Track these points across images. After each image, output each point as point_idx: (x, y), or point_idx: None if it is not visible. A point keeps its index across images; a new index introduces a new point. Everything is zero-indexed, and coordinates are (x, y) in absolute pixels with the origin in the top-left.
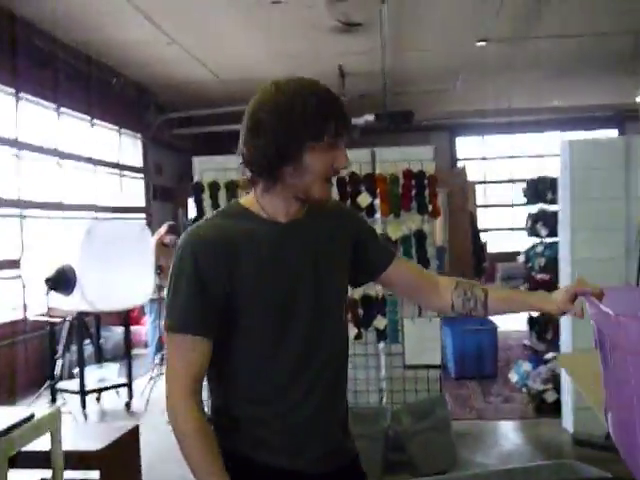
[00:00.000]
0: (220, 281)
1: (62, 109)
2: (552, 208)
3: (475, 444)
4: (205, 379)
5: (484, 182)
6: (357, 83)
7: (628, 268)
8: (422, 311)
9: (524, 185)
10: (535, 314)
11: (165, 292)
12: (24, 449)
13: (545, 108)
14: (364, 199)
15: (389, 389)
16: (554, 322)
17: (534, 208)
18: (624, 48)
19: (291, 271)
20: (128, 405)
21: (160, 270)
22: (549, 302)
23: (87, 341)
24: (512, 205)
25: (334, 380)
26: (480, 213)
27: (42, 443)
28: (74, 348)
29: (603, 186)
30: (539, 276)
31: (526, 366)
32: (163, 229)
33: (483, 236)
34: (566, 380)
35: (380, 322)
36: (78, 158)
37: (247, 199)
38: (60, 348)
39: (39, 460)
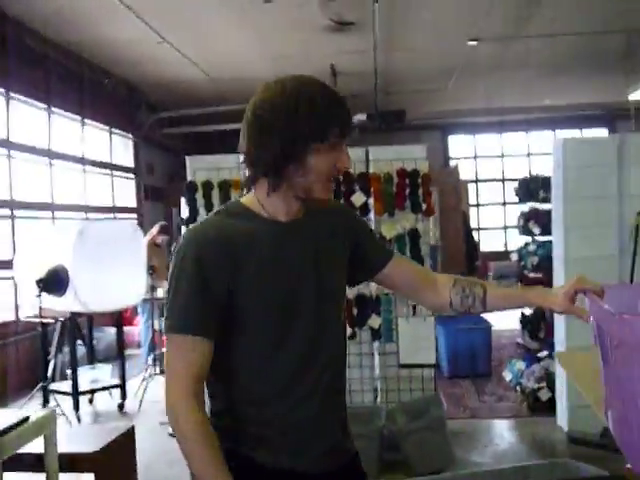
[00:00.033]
0: (223, 280)
1: (53, 109)
2: (544, 207)
3: (469, 443)
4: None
5: (476, 181)
6: (349, 82)
7: (622, 266)
8: (416, 310)
9: (516, 184)
10: (528, 312)
11: (159, 292)
12: (17, 452)
13: (536, 107)
14: (358, 198)
15: (383, 388)
16: (547, 321)
17: (526, 207)
18: (615, 47)
19: (292, 271)
20: (121, 406)
21: (152, 270)
22: (549, 299)
23: (79, 342)
24: (504, 204)
25: (335, 380)
26: (472, 212)
27: (35, 446)
28: (66, 349)
29: (596, 185)
30: (532, 274)
31: (520, 365)
32: (155, 229)
33: (475, 235)
34: (560, 378)
35: (374, 321)
36: (69, 158)
37: (247, 198)
38: (52, 349)
39: (32, 463)
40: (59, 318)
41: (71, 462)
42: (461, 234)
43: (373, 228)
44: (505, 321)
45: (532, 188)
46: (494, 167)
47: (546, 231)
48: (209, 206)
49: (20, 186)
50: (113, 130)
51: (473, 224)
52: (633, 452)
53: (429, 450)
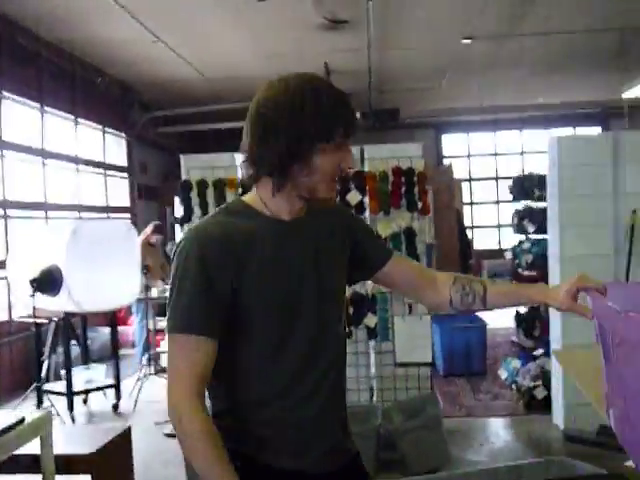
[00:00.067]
0: (227, 278)
1: (46, 108)
2: (539, 205)
3: (465, 441)
4: None
5: (470, 180)
6: (343, 81)
7: (617, 265)
8: (412, 309)
9: (510, 182)
10: (523, 310)
11: (153, 292)
12: (13, 453)
13: (530, 105)
14: (353, 197)
15: (379, 387)
16: (542, 319)
17: (520, 205)
18: (609, 45)
19: (293, 270)
20: (116, 406)
21: (147, 270)
22: (551, 296)
23: (73, 342)
24: (497, 202)
25: (336, 380)
26: (466, 210)
27: (31, 447)
28: (60, 349)
29: (591, 182)
30: (526, 273)
31: (515, 363)
32: (149, 229)
33: (469, 233)
34: (556, 376)
35: (370, 320)
36: (62, 157)
37: (249, 197)
38: (46, 349)
39: (28, 464)
40: (53, 318)
41: (67, 463)
42: (455, 233)
43: None
44: (500, 319)
45: (527, 186)
46: (488, 165)
47: (541, 229)
48: (204, 205)
49: (13, 185)
50: (106, 129)
51: (467, 222)
52: (635, 450)
53: (425, 449)
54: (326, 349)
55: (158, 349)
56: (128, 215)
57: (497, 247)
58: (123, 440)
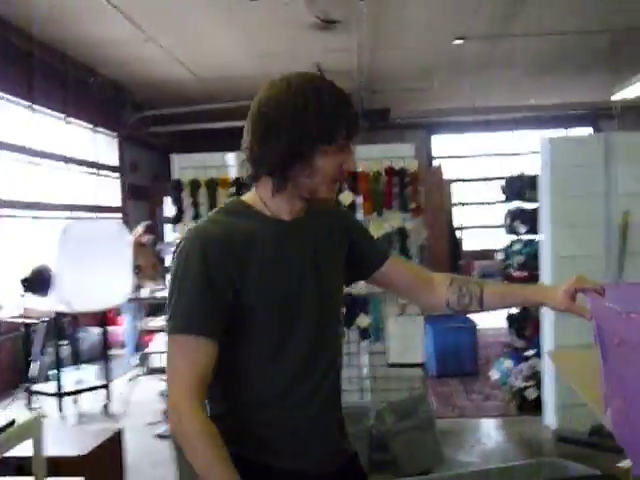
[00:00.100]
0: (229, 278)
1: (37, 107)
2: (531, 206)
3: (457, 442)
4: None
5: (460, 180)
6: (334, 81)
7: (609, 265)
8: (405, 309)
9: (503, 183)
10: (514, 311)
11: (144, 292)
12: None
13: (521, 106)
14: (346, 197)
15: (372, 388)
16: (533, 319)
17: (512, 205)
18: (600, 46)
19: (293, 271)
20: (106, 407)
21: (138, 270)
22: (550, 296)
23: (63, 342)
24: (488, 203)
25: (335, 380)
26: (456, 211)
27: (23, 449)
28: (49, 350)
29: (583, 183)
30: (517, 273)
31: (508, 363)
32: (140, 228)
33: (459, 234)
34: (549, 377)
35: (363, 320)
36: (53, 157)
37: (248, 196)
38: (36, 350)
39: (19, 467)
40: (43, 318)
41: (58, 466)
42: (445, 233)
43: None
44: (490, 320)
45: (519, 187)
46: (478, 166)
47: (532, 230)
48: (196, 205)
49: (3, 184)
50: (98, 129)
51: (457, 223)
52: (634, 451)
53: (417, 450)
54: (326, 349)
55: (148, 350)
56: (119, 215)
57: (487, 248)
58: (115, 442)
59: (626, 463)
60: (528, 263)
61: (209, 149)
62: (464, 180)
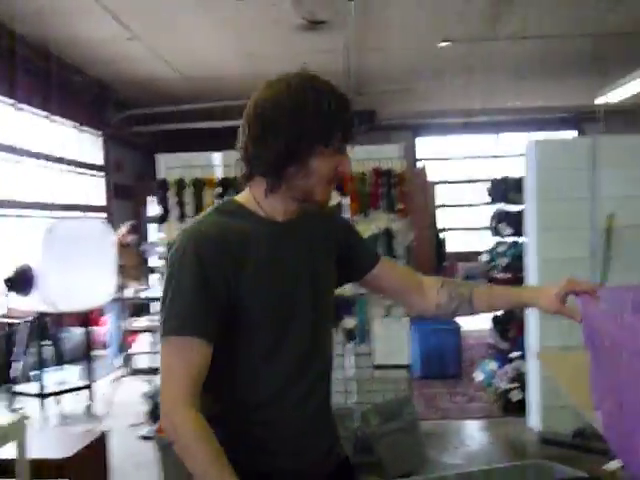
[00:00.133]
0: (224, 279)
1: (20, 105)
2: (516, 208)
3: (441, 444)
4: None
5: (444, 182)
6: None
7: (594, 267)
8: (391, 311)
9: (488, 185)
10: (498, 312)
11: (128, 292)
12: None
13: (506, 109)
14: (333, 198)
15: (357, 389)
16: (517, 321)
17: (497, 208)
18: (585, 50)
19: (288, 272)
20: (89, 408)
21: (122, 270)
22: (539, 298)
23: (46, 342)
24: (473, 205)
25: (328, 382)
26: (440, 213)
27: (6, 451)
28: (32, 350)
29: (569, 186)
30: (501, 275)
31: (492, 365)
32: (125, 228)
33: (443, 235)
34: (533, 379)
35: (349, 322)
36: (37, 155)
37: (242, 196)
38: (19, 350)
39: (3, 469)
40: (26, 318)
41: (43, 468)
42: (429, 234)
43: None
44: (474, 321)
45: (504, 189)
46: (462, 168)
47: (517, 232)
48: (182, 205)
49: None
50: (82, 128)
51: (441, 225)
52: (626, 453)
53: (402, 452)
54: (319, 350)
55: (131, 350)
56: (103, 214)
57: (471, 249)
58: (100, 444)
59: (611, 465)
60: (513, 265)
61: (194, 149)
62: (448, 182)
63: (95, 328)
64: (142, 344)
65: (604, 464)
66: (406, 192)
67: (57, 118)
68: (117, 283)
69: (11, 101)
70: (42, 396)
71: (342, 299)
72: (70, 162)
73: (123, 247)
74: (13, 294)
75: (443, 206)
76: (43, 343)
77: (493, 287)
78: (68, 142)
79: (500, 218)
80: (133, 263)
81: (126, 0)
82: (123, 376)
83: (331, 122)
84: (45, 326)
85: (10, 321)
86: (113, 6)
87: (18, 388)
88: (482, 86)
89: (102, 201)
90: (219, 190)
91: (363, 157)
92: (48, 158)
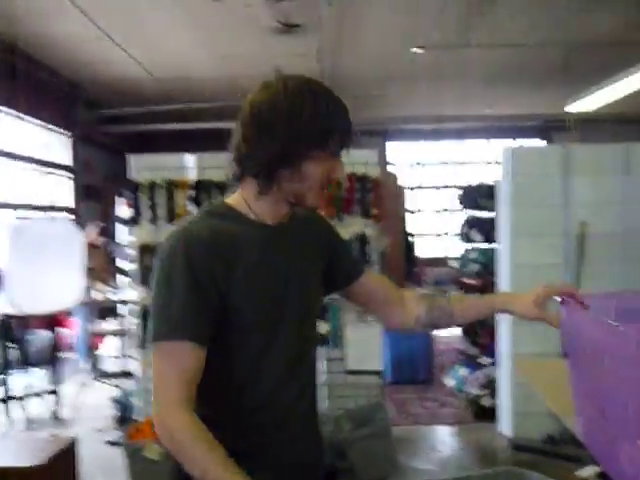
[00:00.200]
0: (214, 282)
1: None
2: (487, 215)
3: (412, 449)
4: None
5: (414, 188)
6: None
7: (567, 274)
8: (364, 316)
9: (459, 191)
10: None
11: (95, 294)
12: None
13: (476, 116)
14: None
15: (330, 395)
16: (488, 327)
17: (467, 214)
18: (556, 60)
19: (279, 275)
20: (55, 413)
21: (91, 272)
22: (516, 304)
23: (12, 345)
24: (443, 210)
25: (315, 386)
26: (410, 218)
27: None
28: None
29: (543, 193)
30: (470, 281)
31: (463, 371)
32: (93, 230)
33: (412, 240)
34: (505, 385)
35: (322, 327)
36: (3, 154)
37: (232, 198)
38: None
39: None
40: None
41: (8, 477)
42: (400, 240)
43: None
44: None
45: (475, 196)
46: (432, 174)
47: (487, 238)
48: (153, 206)
49: None
50: (51, 127)
51: (410, 230)
52: (608, 460)
53: (374, 458)
54: (307, 354)
55: (99, 353)
56: (71, 215)
57: (440, 255)
58: (68, 452)
59: (584, 471)
60: (483, 271)
61: (164, 150)
62: (418, 187)
63: (62, 330)
64: (110, 347)
65: (575, 470)
66: (380, 197)
67: (25, 117)
68: (86, 285)
69: None
70: (7, 400)
71: None
72: (38, 162)
73: (93, 249)
74: None
75: (413, 211)
76: (8, 345)
77: (470, 297)
78: (36, 141)
79: (471, 224)
80: (102, 265)
81: None
82: (90, 380)
83: (327, 126)
84: (10, 328)
85: None
86: (85, 5)
87: None
88: (454, 93)
89: (70, 202)
90: (192, 193)
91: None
92: (15, 157)
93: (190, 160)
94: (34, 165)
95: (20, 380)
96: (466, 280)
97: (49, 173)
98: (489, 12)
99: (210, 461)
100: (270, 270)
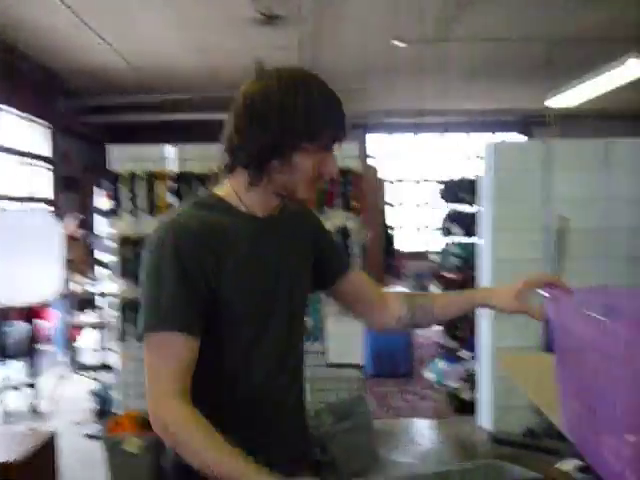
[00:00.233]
0: (203, 273)
1: None
2: (467, 208)
3: (392, 442)
4: None
5: (394, 181)
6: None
7: (546, 269)
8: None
9: (441, 186)
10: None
11: (74, 286)
12: None
13: (455, 110)
14: None
15: (311, 388)
16: (468, 321)
17: (450, 208)
18: (537, 55)
19: (269, 268)
20: (34, 406)
21: (70, 264)
22: (496, 298)
23: None
24: (421, 204)
25: (302, 380)
26: (389, 211)
27: None
28: None
29: (525, 188)
30: (450, 275)
31: (442, 364)
32: (72, 221)
33: (391, 232)
34: (485, 379)
35: None
36: None
37: (222, 189)
38: None
39: None
40: None
41: None
42: (380, 233)
43: None
44: None
45: (457, 190)
46: (412, 167)
47: (468, 233)
48: (134, 198)
49: None
50: (29, 116)
51: (390, 223)
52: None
53: (355, 451)
54: (295, 347)
55: (75, 344)
56: (49, 206)
57: (419, 249)
58: (48, 446)
59: (564, 464)
60: (463, 265)
61: (143, 141)
62: (399, 181)
63: (40, 322)
64: (88, 340)
65: (555, 463)
66: (361, 190)
67: (3, 107)
68: (64, 277)
69: None
70: None
71: None
72: (16, 152)
73: (72, 240)
74: None
75: (392, 205)
76: None
77: (449, 293)
78: (14, 131)
79: (452, 218)
80: (81, 257)
81: None
82: (69, 372)
83: (320, 119)
84: None
85: None
86: None
87: None
88: (434, 87)
89: (49, 193)
90: (173, 185)
91: None
92: None
93: (171, 151)
94: (12, 156)
95: None
96: (446, 274)
97: (27, 164)
98: (470, 6)
99: (208, 448)
100: (260, 263)
